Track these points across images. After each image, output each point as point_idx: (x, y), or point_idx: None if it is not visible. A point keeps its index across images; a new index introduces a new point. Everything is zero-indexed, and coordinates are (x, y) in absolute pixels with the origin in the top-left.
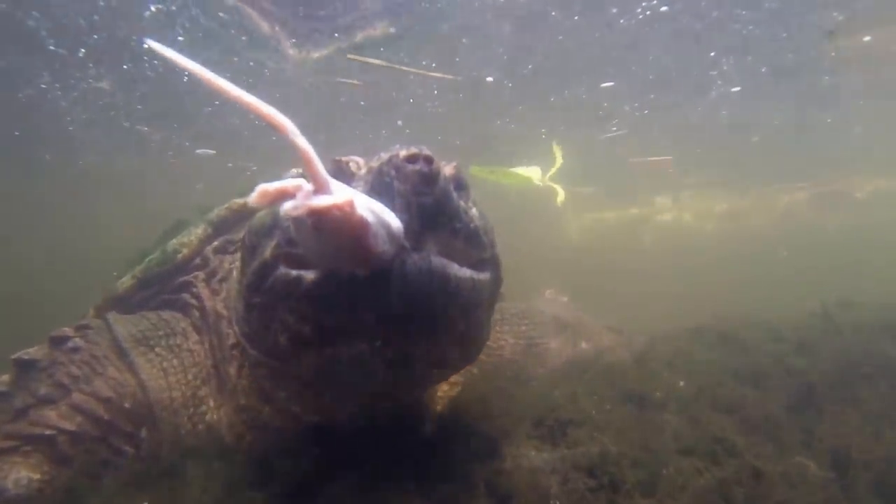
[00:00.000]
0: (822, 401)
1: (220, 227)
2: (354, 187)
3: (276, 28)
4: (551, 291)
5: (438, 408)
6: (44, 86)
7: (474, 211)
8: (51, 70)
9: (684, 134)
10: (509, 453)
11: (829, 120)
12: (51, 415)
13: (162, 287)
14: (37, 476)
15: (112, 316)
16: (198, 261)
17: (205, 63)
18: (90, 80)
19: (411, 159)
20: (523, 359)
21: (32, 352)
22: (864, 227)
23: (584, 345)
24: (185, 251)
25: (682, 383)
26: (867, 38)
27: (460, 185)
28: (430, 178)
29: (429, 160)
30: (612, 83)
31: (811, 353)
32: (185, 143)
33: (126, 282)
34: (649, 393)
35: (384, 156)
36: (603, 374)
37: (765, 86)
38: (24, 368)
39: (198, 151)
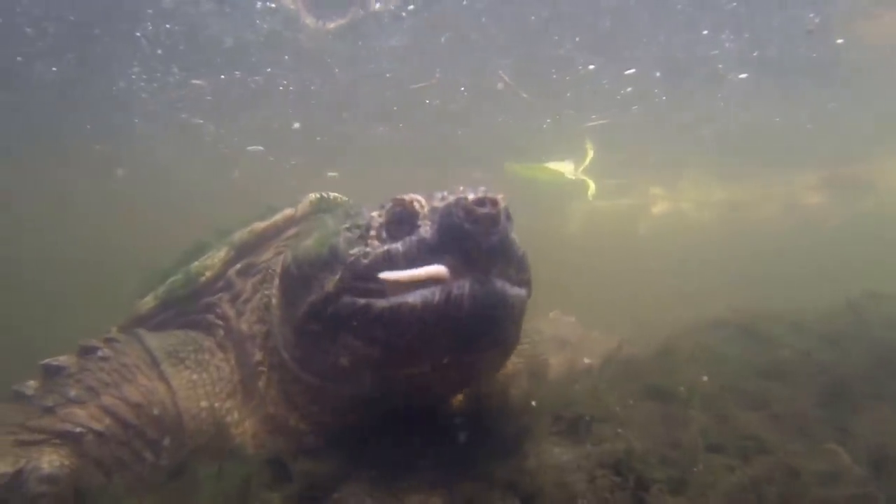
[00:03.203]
0: (854, 396)
1: (243, 250)
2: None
3: None
4: (556, 312)
5: (456, 406)
6: (133, 76)
7: (517, 238)
8: (140, 60)
9: (696, 123)
10: (532, 450)
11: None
12: (80, 413)
13: (184, 308)
14: (67, 462)
15: (141, 331)
16: (221, 283)
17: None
18: (174, 74)
19: (480, 203)
20: (524, 374)
21: (62, 359)
22: (887, 216)
23: (586, 360)
24: (208, 274)
25: (705, 378)
26: (840, 41)
27: (508, 216)
28: (496, 219)
29: (495, 203)
30: (633, 70)
31: (838, 347)
32: (234, 138)
33: (148, 302)
34: (672, 388)
35: (450, 197)
36: (623, 369)
37: (766, 74)
38: (53, 374)
39: (249, 148)
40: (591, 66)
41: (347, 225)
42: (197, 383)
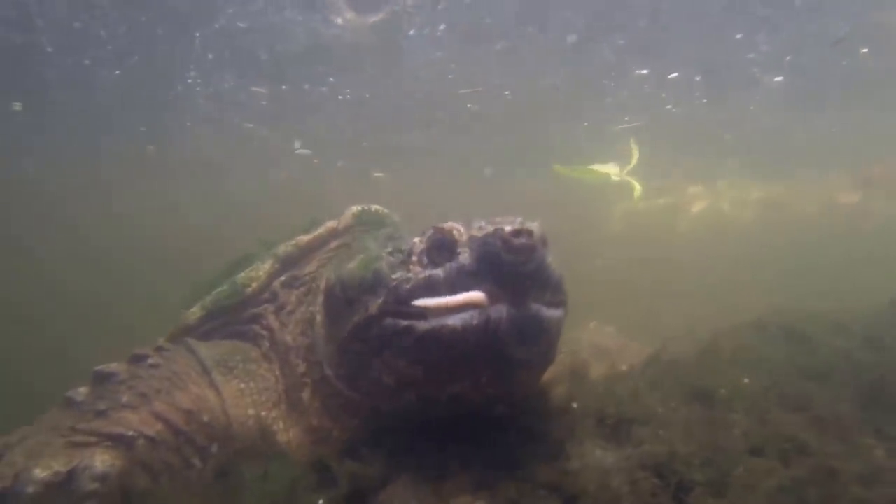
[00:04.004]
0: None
1: (287, 263)
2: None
3: None
4: (595, 324)
5: (498, 409)
6: (189, 80)
7: (553, 261)
8: (196, 64)
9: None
10: (574, 452)
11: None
12: (132, 418)
13: (229, 318)
14: (118, 464)
15: (190, 340)
16: (266, 295)
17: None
18: (228, 80)
19: (516, 234)
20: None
21: (113, 366)
22: None
23: (623, 368)
24: (254, 285)
25: (746, 380)
26: (865, 51)
27: (544, 242)
28: (532, 249)
29: (530, 234)
30: (676, 74)
31: (880, 347)
32: (283, 141)
33: (195, 312)
34: (713, 390)
35: (488, 227)
36: (664, 370)
37: (798, 78)
38: (103, 380)
39: (297, 151)
40: (645, 71)
41: (390, 249)
42: (245, 392)
